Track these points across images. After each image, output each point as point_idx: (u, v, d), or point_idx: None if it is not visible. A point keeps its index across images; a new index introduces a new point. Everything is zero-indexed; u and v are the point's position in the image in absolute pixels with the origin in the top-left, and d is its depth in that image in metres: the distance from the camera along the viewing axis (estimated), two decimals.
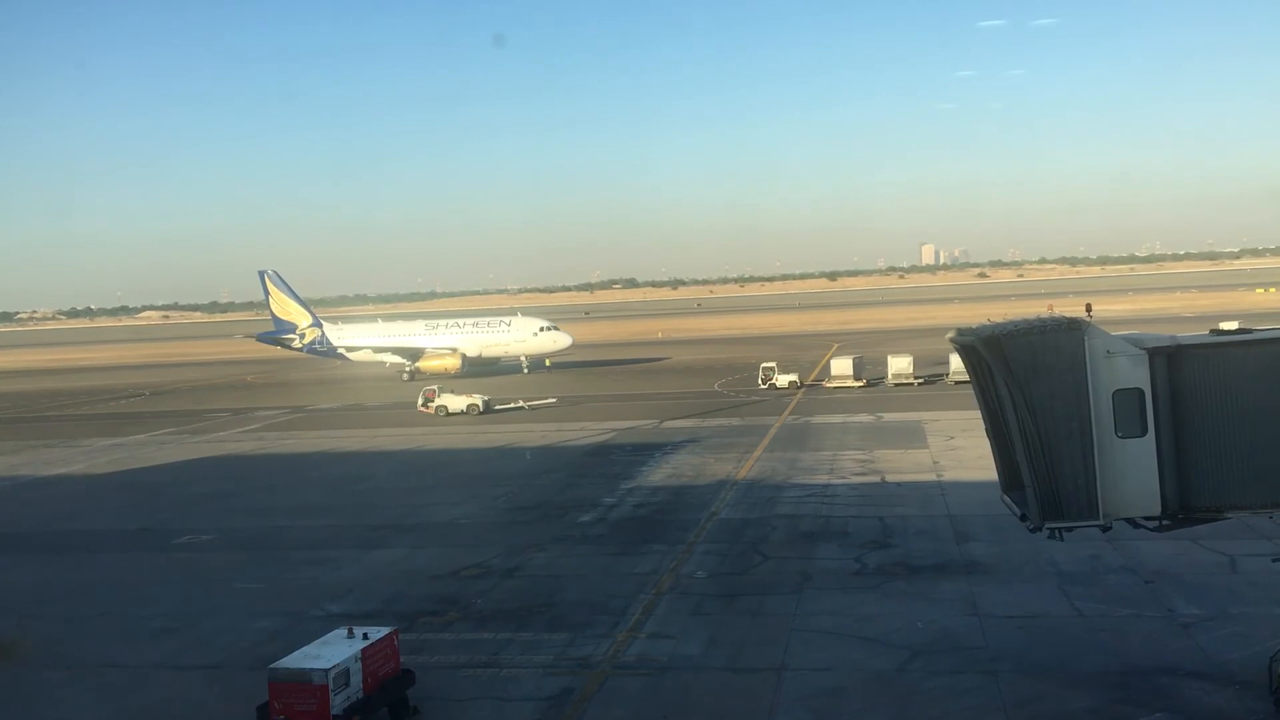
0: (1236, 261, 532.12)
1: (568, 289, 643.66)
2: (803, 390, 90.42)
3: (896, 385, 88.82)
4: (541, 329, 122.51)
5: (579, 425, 76.00)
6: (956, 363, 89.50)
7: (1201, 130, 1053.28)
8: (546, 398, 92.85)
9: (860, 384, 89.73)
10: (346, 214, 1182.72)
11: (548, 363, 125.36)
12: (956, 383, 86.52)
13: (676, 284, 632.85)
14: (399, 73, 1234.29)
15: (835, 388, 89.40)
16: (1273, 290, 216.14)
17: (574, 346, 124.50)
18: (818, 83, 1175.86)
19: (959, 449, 56.67)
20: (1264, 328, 24.89)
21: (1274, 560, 23.35)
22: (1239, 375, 21.65)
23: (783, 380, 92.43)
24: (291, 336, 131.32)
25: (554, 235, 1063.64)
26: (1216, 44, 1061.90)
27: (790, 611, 31.64)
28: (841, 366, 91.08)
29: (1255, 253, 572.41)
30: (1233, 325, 44.58)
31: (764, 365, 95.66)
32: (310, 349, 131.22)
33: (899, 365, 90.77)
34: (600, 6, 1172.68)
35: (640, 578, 36.00)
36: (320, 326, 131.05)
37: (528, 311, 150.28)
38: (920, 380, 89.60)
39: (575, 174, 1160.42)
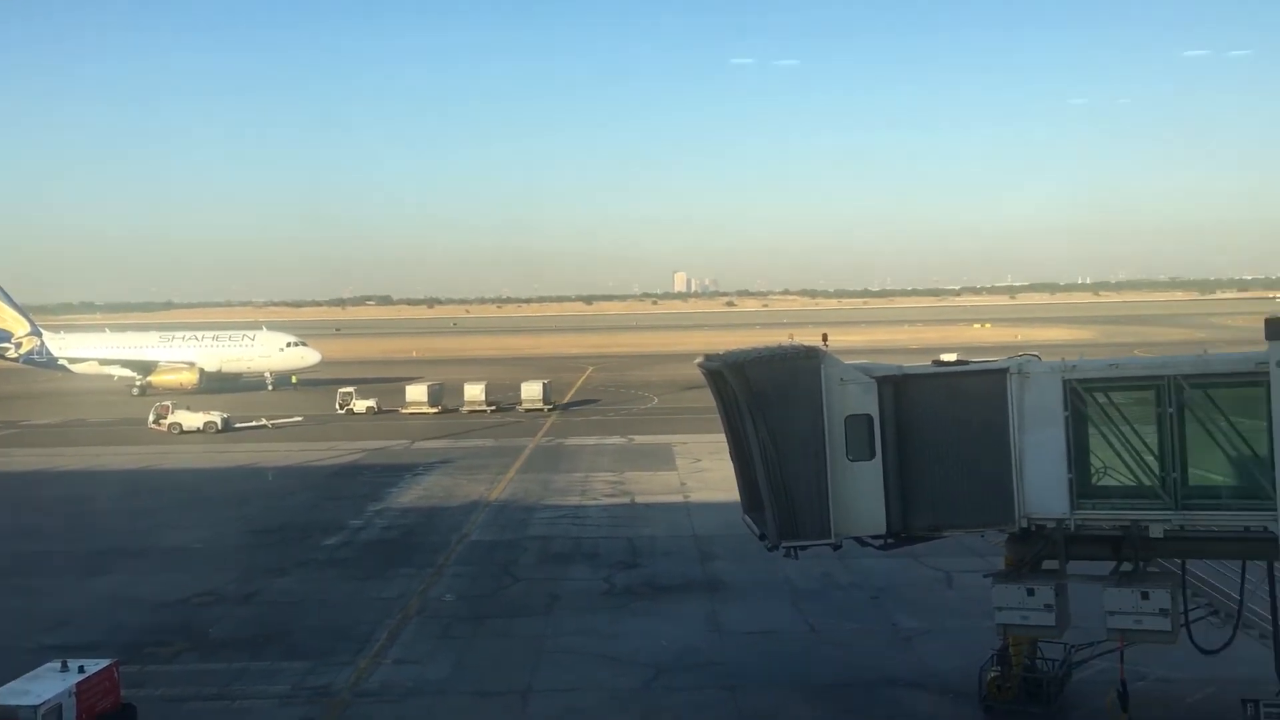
0: (958, 298, 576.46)
1: (318, 304, 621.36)
2: (382, 415, 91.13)
3: (470, 413, 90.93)
4: (288, 344, 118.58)
5: (326, 445, 73.54)
6: (529, 391, 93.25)
7: (929, 176, 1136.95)
8: (292, 416, 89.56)
9: (436, 410, 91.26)
10: (71, 216, 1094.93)
11: (294, 380, 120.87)
12: (527, 410, 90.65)
13: (433, 302, 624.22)
14: (86, 59, 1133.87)
15: (411, 413, 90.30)
16: (989, 326, 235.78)
17: (323, 364, 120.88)
18: (581, 109, 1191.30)
19: (705, 471, 58.47)
20: (978, 360, 27.05)
21: (984, 576, 25.30)
22: (955, 403, 23.41)
23: (360, 406, 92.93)
24: (6, 345, 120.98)
25: (304, 248, 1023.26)
26: (939, 89, 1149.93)
27: (539, 633, 31.68)
28: (416, 393, 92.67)
29: (975, 291, 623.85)
30: (952, 357, 48.18)
31: (341, 390, 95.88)
32: (28, 359, 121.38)
33: (473, 393, 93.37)
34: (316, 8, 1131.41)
35: (387, 602, 35.13)
36: (39, 335, 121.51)
37: (274, 326, 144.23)
38: (493, 407, 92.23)
39: (328, 183, 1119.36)
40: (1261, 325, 20.99)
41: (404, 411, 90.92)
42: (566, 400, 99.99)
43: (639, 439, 73.94)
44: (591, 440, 73.60)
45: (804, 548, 23.85)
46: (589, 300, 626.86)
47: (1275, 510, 20.64)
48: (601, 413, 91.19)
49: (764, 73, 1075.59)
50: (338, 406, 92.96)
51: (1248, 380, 21.53)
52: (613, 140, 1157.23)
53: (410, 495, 54.49)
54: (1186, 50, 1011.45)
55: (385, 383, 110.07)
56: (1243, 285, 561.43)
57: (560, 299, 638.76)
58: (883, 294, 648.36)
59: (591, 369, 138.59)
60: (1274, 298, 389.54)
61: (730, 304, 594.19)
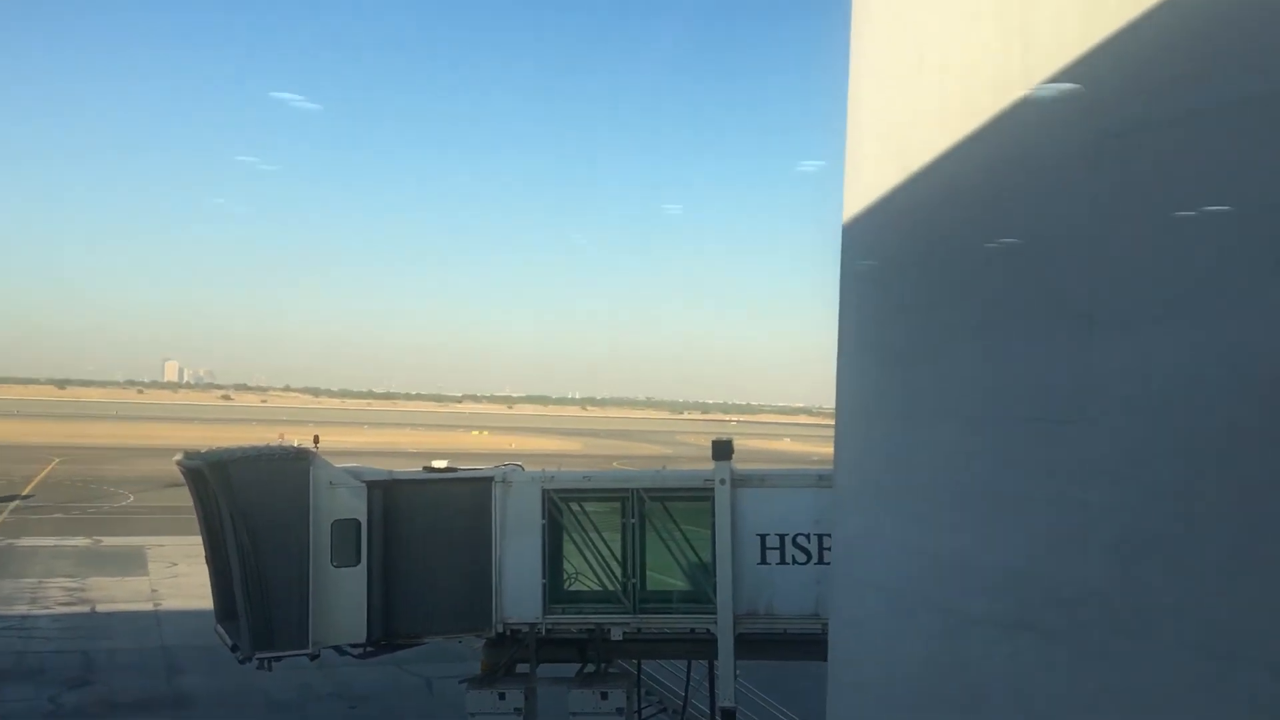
0: (459, 405, 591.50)
1: None
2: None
3: None
4: None
5: None
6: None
7: (436, 285, 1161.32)
8: None
9: None
10: None
11: None
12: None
13: None
14: None
15: None
16: (485, 433, 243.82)
17: None
18: (59, 169, 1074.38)
19: (182, 576, 54.26)
20: (467, 467, 27.97)
21: (460, 681, 25.77)
22: (442, 509, 24.02)
23: None
24: None
25: None
26: (457, 213, 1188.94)
27: None
28: None
29: (475, 398, 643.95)
30: (443, 463, 49.13)
31: None
32: None
33: None
34: None
35: None
36: None
37: None
38: None
39: None
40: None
41: None
42: (25, 493, 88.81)
43: (108, 540, 67.17)
44: (50, 541, 65.70)
45: (279, 658, 22.93)
46: (62, 384, 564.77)
47: (715, 614, 23.18)
48: (65, 510, 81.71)
49: (257, 175, 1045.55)
50: None
51: (697, 495, 24.18)
52: (98, 210, 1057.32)
53: None
54: (665, 205, 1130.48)
55: None
56: (705, 408, 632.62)
57: (27, 381, 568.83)
58: (387, 396, 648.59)
59: (58, 460, 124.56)
60: (729, 420, 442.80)
61: (227, 397, 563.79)
